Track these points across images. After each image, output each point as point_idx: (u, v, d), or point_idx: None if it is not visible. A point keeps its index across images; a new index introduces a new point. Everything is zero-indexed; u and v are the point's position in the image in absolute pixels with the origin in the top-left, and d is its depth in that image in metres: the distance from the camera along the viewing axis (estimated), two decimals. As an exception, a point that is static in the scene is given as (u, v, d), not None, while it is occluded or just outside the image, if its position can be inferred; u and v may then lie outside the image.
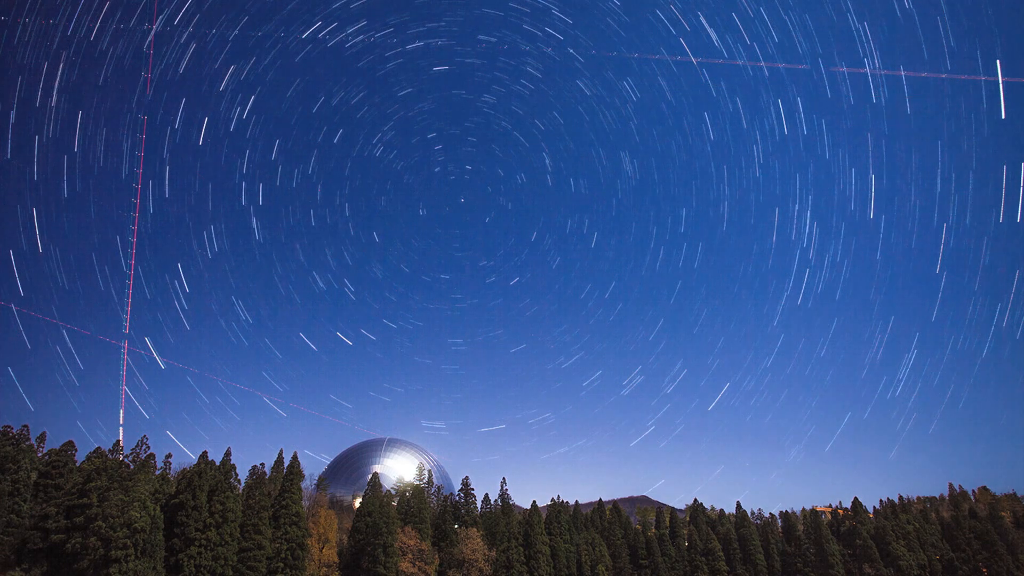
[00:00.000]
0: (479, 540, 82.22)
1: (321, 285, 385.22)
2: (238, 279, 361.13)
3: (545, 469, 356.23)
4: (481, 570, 79.39)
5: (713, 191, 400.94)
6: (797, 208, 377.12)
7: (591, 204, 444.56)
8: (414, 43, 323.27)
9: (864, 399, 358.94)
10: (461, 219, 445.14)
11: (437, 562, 77.69)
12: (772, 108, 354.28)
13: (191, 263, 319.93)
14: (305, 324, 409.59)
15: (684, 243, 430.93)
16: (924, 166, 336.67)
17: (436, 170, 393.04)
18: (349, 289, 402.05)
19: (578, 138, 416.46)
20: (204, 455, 66.24)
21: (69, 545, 51.65)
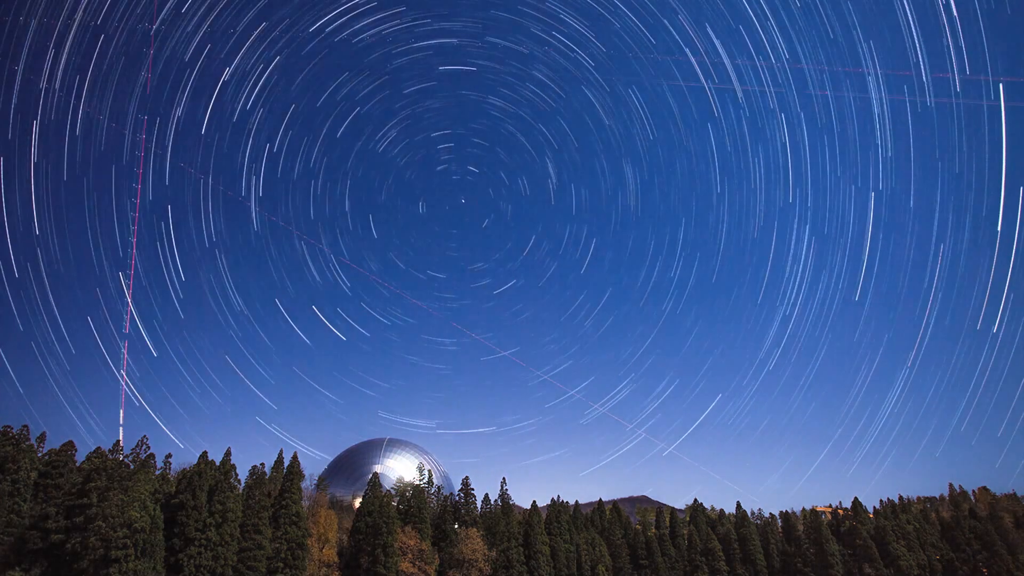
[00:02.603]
0: (479, 540, 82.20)
1: (316, 276, 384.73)
2: (233, 265, 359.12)
3: (526, 475, 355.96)
4: (481, 570, 79.37)
5: (713, 210, 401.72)
6: (795, 235, 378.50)
7: (591, 214, 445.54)
8: (426, 40, 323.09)
9: (850, 428, 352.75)
10: (460, 219, 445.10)
11: (437, 562, 77.68)
12: (778, 133, 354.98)
13: (189, 249, 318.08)
14: (297, 314, 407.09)
15: (681, 260, 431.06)
16: (924, 193, 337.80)
17: (439, 169, 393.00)
18: (343, 282, 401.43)
19: (583, 148, 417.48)
20: (204, 455, 66.29)
21: (69, 545, 51.65)
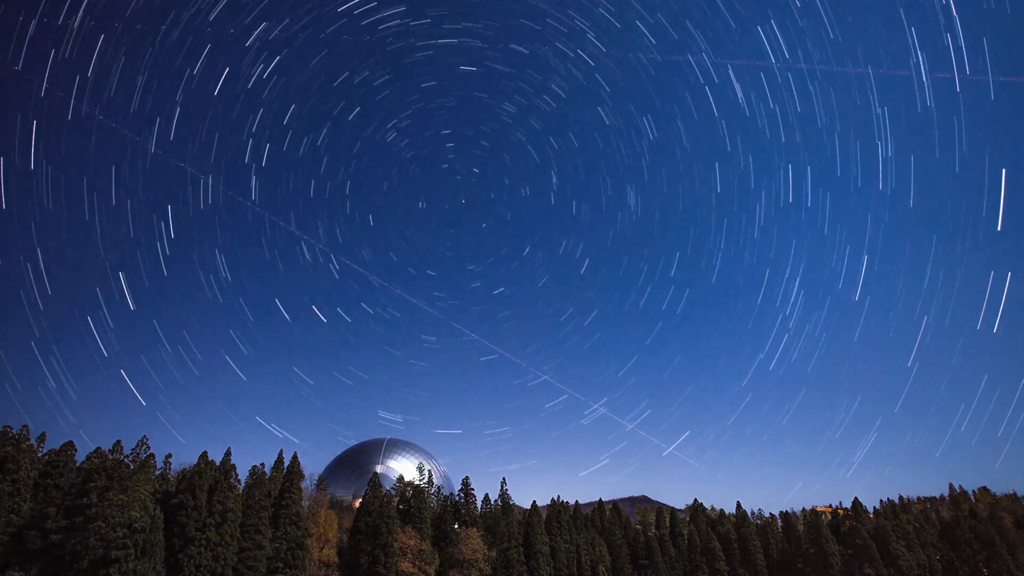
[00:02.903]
0: (479, 540, 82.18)
1: (307, 257, 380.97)
2: (225, 234, 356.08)
3: (527, 475, 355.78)
4: (481, 570, 79.35)
5: (710, 242, 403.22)
6: (787, 275, 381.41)
7: (589, 231, 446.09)
8: (448, 39, 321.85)
9: (851, 428, 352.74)
10: (459, 219, 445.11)
11: (437, 562, 77.65)
12: (781, 172, 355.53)
13: (182, 208, 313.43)
14: (283, 292, 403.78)
15: (672, 287, 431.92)
16: (916, 259, 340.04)
17: (444, 167, 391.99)
18: (334, 266, 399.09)
19: (589, 164, 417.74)
20: (204, 455, 66.25)
21: (68, 545, 51.62)
